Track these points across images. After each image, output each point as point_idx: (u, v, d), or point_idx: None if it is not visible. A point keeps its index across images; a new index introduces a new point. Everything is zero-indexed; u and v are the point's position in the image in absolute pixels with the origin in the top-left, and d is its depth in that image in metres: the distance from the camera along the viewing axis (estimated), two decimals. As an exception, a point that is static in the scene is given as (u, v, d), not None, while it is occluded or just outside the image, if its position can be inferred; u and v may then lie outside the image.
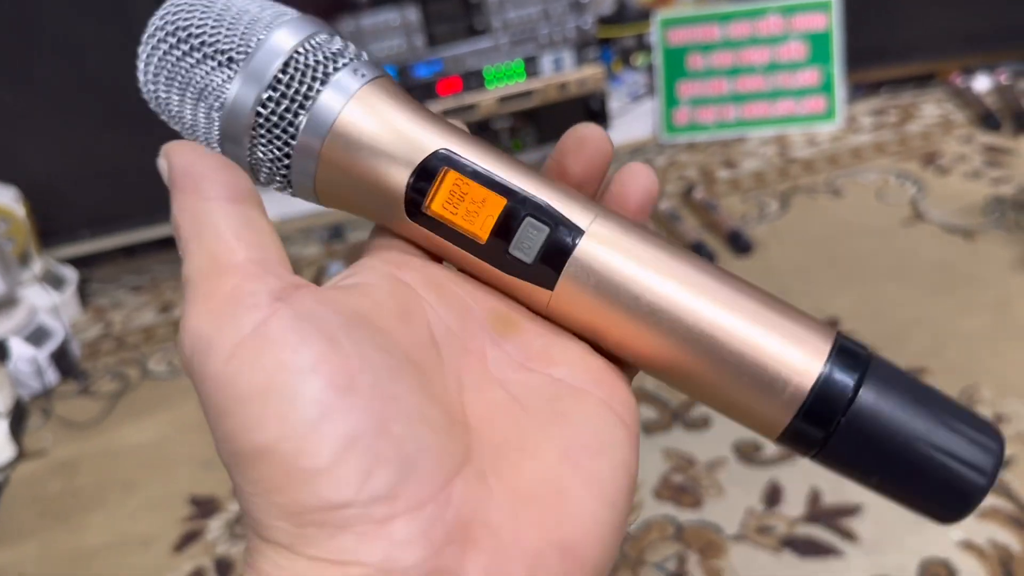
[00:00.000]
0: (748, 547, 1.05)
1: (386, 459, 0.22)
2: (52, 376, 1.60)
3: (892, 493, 0.28)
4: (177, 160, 0.28)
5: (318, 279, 1.77)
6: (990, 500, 1.04)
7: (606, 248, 0.29)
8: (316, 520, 0.22)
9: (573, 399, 0.27)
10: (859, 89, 2.10)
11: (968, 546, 1.00)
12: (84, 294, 1.92)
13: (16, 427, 1.49)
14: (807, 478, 1.12)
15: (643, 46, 2.23)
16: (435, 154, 0.29)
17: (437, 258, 0.32)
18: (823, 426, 0.27)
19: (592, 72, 1.91)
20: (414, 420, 0.23)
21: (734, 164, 1.95)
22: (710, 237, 1.66)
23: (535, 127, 1.95)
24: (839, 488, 1.10)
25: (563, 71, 1.90)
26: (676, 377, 0.29)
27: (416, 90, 1.82)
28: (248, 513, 0.23)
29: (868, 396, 0.27)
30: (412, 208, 0.30)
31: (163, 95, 0.31)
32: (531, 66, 1.88)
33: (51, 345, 1.60)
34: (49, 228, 1.86)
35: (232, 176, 0.28)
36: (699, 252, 1.57)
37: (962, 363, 1.26)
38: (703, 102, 2.05)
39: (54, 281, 1.80)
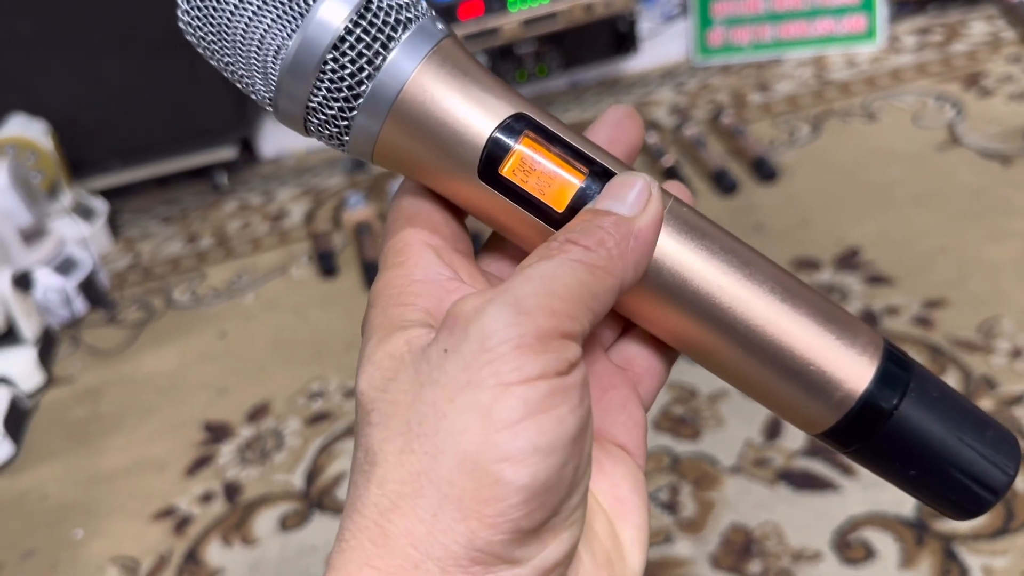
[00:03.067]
0: (743, 479, 1.03)
1: (562, 541, 0.25)
2: (80, 305, 1.64)
3: (913, 493, 0.30)
4: None
5: (339, 208, 1.77)
6: (999, 435, 1.01)
7: (678, 237, 0.28)
8: (487, 562, 0.24)
9: (605, 448, 0.30)
10: (904, 7, 1.99)
11: (971, 482, 0.97)
12: (116, 225, 1.95)
13: (46, 354, 1.53)
14: (810, 411, 1.09)
15: (679, -35, 2.15)
16: (515, 117, 0.28)
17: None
18: (865, 431, 0.29)
19: (620, -8, 1.85)
20: (586, 508, 0.27)
21: (768, 87, 1.88)
22: (734, 164, 1.61)
23: (560, 51, 1.90)
24: (842, 421, 1.07)
25: (589, -8, 1.84)
26: (729, 372, 0.30)
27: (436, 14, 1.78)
28: (408, 498, 0.25)
29: (908, 407, 0.29)
30: (486, 172, 0.28)
31: (215, 28, 0.28)
32: (555, -13, 1.82)
33: (79, 275, 1.64)
34: (80, 160, 1.88)
35: None
36: (721, 180, 1.53)
37: (985, 294, 1.21)
38: (738, 22, 1.98)
39: (85, 213, 1.83)
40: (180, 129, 1.96)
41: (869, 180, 1.50)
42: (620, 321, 0.33)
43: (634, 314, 0.30)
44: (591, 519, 0.28)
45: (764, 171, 1.55)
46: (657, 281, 0.28)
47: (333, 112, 0.28)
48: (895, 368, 0.29)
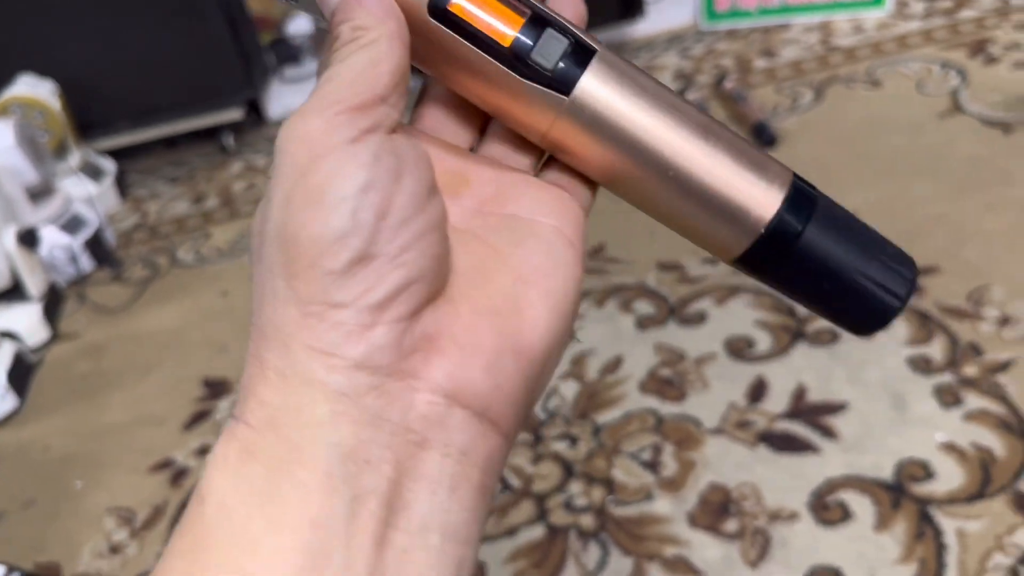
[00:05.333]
0: (724, 440, 1.04)
1: (388, 281, 0.26)
2: (87, 263, 1.67)
3: (821, 309, 0.33)
4: None
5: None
6: (981, 402, 1.01)
7: (610, 70, 0.31)
8: (317, 312, 0.25)
9: (526, 228, 0.31)
10: (916, -28, 1.96)
11: (950, 448, 0.98)
12: (124, 185, 1.97)
13: (52, 311, 1.56)
14: (795, 375, 1.10)
15: (689, -72, 2.13)
16: None
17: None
18: (775, 254, 0.32)
19: (625, -44, 1.84)
20: (424, 253, 0.27)
21: (773, 53, 1.86)
22: (735, 129, 1.60)
23: (565, 15, 1.89)
24: (826, 386, 1.08)
25: (594, -45, 1.83)
26: (649, 203, 0.33)
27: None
28: (263, 296, 0.27)
29: (814, 230, 0.32)
30: (435, 9, 0.30)
31: None
32: (560, -49, 1.81)
33: (85, 234, 1.66)
34: (89, 120, 1.90)
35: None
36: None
37: (977, 263, 1.20)
38: (746, -13, 1.96)
39: (93, 172, 1.85)
40: (188, 90, 1.97)
41: (870, 147, 1.50)
42: (538, 153, 0.35)
43: (555, 148, 0.33)
44: (485, 270, 0.30)
45: (764, 137, 1.55)
46: (580, 116, 0.31)
47: None
48: (802, 197, 0.32)
